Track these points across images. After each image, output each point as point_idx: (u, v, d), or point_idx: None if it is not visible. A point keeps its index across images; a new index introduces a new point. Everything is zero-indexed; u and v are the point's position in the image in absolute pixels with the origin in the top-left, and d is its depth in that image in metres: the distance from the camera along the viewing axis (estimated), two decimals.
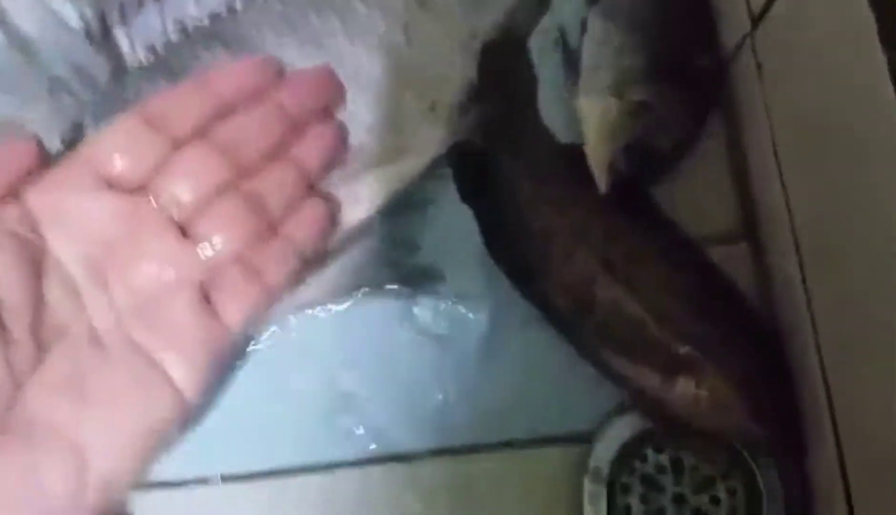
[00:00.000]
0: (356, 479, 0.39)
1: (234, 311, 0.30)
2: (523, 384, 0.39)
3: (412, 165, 0.38)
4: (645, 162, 0.38)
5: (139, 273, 0.29)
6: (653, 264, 0.37)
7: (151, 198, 0.30)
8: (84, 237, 0.29)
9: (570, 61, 0.41)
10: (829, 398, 0.34)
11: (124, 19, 0.37)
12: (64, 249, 0.29)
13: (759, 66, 0.37)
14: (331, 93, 0.33)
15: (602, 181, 0.37)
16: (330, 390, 0.40)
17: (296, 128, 0.32)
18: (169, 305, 0.29)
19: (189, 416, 0.29)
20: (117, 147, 0.30)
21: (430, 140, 0.39)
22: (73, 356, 0.28)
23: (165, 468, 0.39)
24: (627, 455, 0.38)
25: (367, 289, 0.39)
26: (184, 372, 0.29)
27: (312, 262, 0.34)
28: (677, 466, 0.38)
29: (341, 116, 0.34)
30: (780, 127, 0.36)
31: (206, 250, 0.30)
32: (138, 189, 0.30)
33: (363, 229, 0.38)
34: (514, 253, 0.39)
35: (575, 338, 0.38)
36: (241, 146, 0.31)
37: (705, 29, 0.40)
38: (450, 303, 0.40)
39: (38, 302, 0.28)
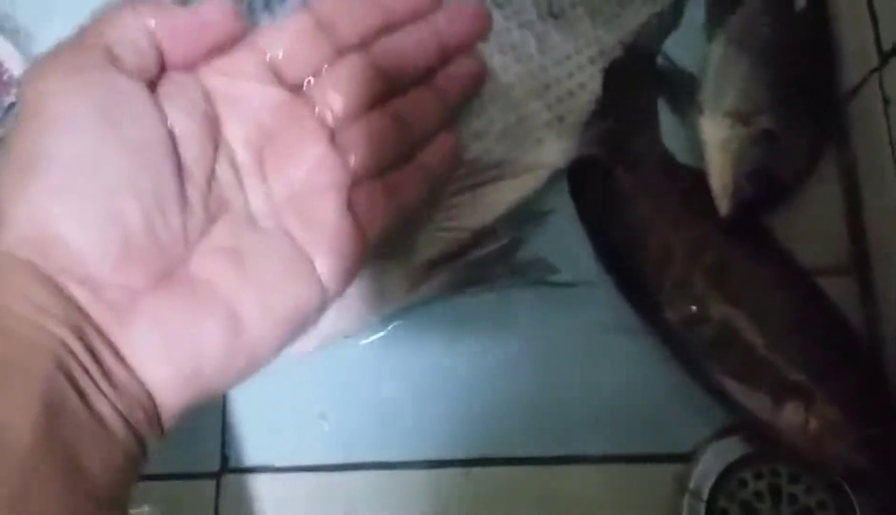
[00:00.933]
0: (458, 477, 0.40)
1: (371, 222, 0.32)
2: (624, 396, 0.40)
3: (537, 175, 0.39)
4: (766, 189, 0.38)
5: (294, 168, 0.31)
6: (767, 289, 0.38)
7: (311, 100, 0.32)
8: (250, 122, 0.31)
9: (682, 84, 0.42)
10: None
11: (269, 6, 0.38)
12: (233, 129, 0.30)
13: (885, 101, 0.37)
14: (482, 30, 0.36)
15: (723, 205, 0.38)
16: (432, 388, 0.41)
17: (445, 55, 0.35)
18: (319, 203, 0.31)
19: (325, 312, 0.31)
20: (286, 43, 0.31)
21: (556, 151, 0.40)
22: (234, 232, 0.29)
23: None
24: (727, 478, 0.38)
25: (480, 286, 0.40)
26: (328, 268, 0.30)
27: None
28: (776, 493, 0.38)
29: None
30: None
31: (352, 159, 0.32)
32: (298, 87, 0.32)
33: (485, 234, 0.39)
34: (627, 267, 0.40)
35: (683, 354, 0.39)
36: (397, 64, 0.33)
37: (828, 61, 0.41)
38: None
39: (210, 174, 0.29)
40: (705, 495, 0.37)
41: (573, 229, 0.41)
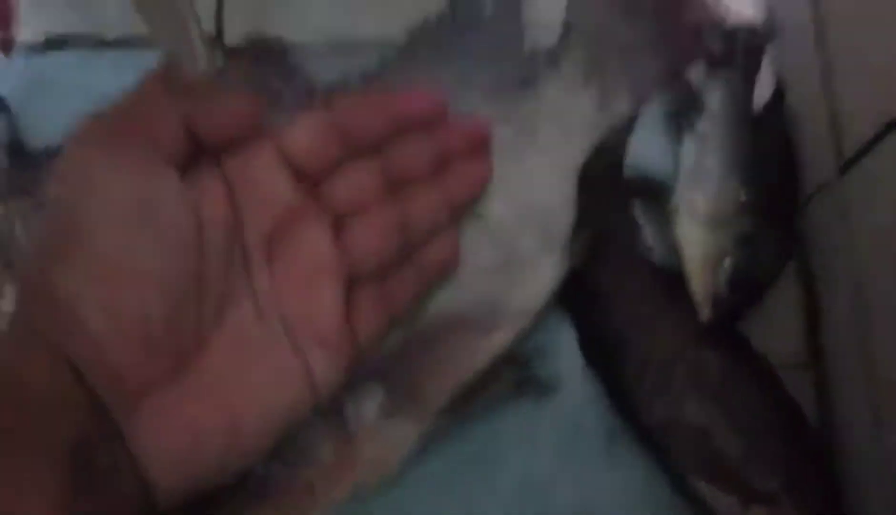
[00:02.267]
0: None
1: (367, 324, 0.34)
2: (599, 495, 0.41)
3: (535, 305, 0.41)
4: (746, 294, 0.40)
5: (299, 260, 0.32)
6: (743, 393, 0.39)
7: (321, 195, 0.33)
8: (263, 211, 0.32)
9: (653, 187, 0.43)
10: None
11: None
12: (247, 218, 0.31)
13: (843, 209, 0.39)
14: (485, 141, 0.38)
15: (705, 311, 0.40)
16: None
17: (450, 162, 0.36)
18: (318, 299, 0.32)
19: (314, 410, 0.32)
20: (303, 139, 0.33)
21: (548, 277, 0.41)
22: (242, 325, 0.30)
23: None
24: None
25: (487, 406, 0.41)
26: (322, 365, 0.31)
27: None
28: None
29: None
30: (860, 269, 0.38)
31: (353, 255, 0.33)
32: (311, 181, 0.33)
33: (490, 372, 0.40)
34: (610, 370, 0.41)
35: (659, 456, 0.40)
36: (404, 168, 0.35)
37: (791, 166, 0.43)
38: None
39: (228, 262, 0.30)
40: None
41: (569, 349, 0.42)
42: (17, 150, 0.41)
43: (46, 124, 0.42)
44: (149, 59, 0.43)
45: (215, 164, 0.31)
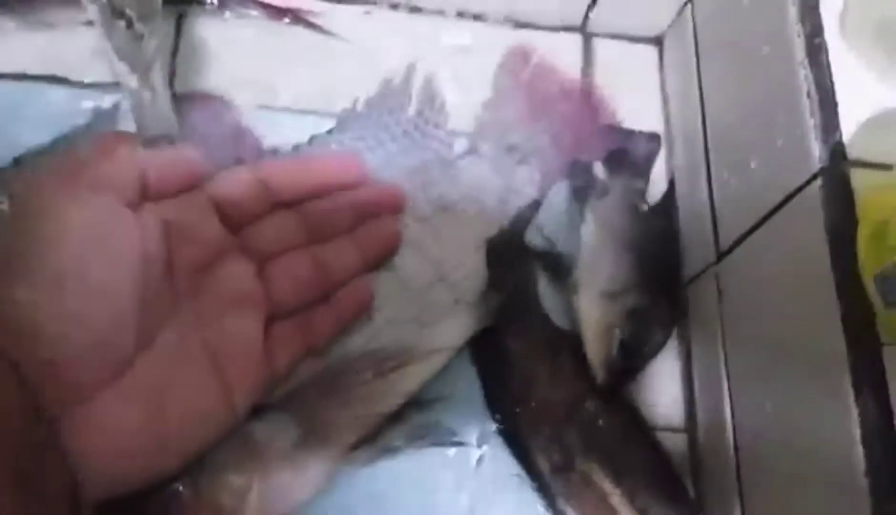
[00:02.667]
0: None
1: (282, 356, 0.37)
2: None
3: (441, 355, 0.44)
4: (634, 361, 0.45)
5: (223, 290, 0.36)
6: (628, 448, 0.44)
7: (246, 237, 0.37)
8: (193, 248, 0.35)
9: (558, 259, 0.48)
10: None
11: None
12: (179, 254, 0.34)
13: (719, 291, 0.45)
14: (398, 205, 0.43)
15: (599, 374, 0.44)
16: None
17: (364, 219, 0.41)
18: (239, 326, 0.36)
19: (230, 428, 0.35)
20: (231, 189, 0.37)
21: (457, 331, 0.45)
22: (169, 345, 0.33)
23: None
24: None
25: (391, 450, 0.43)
26: (241, 385, 0.35)
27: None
28: None
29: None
30: (731, 347, 0.44)
31: (274, 291, 0.37)
32: (237, 227, 0.37)
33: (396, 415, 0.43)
34: (511, 419, 0.45)
35: (549, 498, 0.44)
36: (321, 220, 0.39)
37: (675, 252, 0.49)
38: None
39: (162, 290, 0.33)
40: None
41: (472, 399, 0.46)
42: None
43: None
44: (94, 99, 0.47)
45: (157, 207, 0.34)
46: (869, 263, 0.33)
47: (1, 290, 0.28)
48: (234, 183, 0.37)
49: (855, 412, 0.32)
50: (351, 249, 0.41)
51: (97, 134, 0.45)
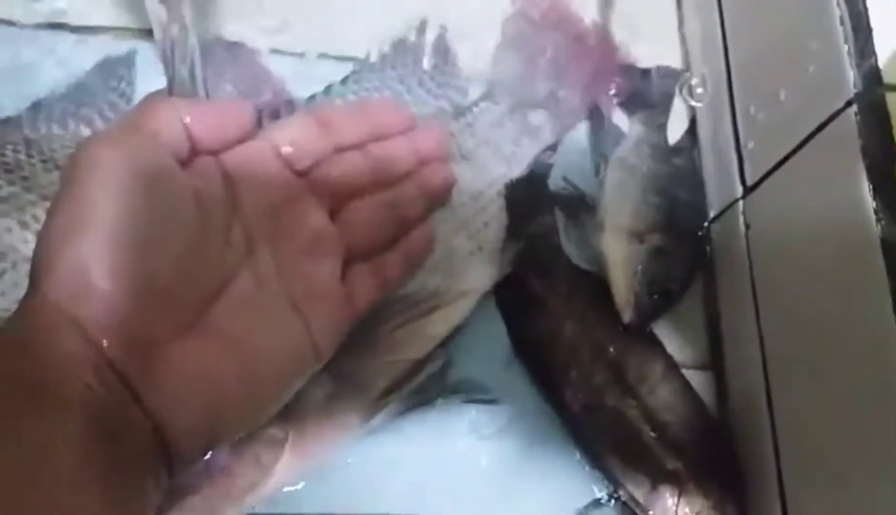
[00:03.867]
0: None
1: (361, 295, 0.37)
2: (527, 471, 0.44)
3: (466, 302, 0.44)
4: (660, 299, 0.45)
5: (297, 236, 0.35)
6: (656, 385, 0.44)
7: (314, 182, 0.36)
8: (261, 197, 0.35)
9: (579, 202, 0.48)
10: None
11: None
12: (247, 202, 0.34)
13: (747, 225, 0.45)
14: (445, 149, 0.43)
15: (626, 313, 0.44)
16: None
17: (422, 162, 0.41)
18: (317, 270, 0.35)
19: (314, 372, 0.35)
20: (294, 135, 0.36)
21: (480, 277, 0.45)
22: (245, 291, 0.33)
23: None
24: None
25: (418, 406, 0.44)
26: (321, 330, 0.34)
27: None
28: None
29: None
30: (760, 279, 0.44)
31: (349, 232, 0.37)
32: (303, 172, 0.36)
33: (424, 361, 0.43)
34: (539, 363, 0.45)
35: (582, 439, 0.44)
36: (385, 161, 0.39)
37: (698, 191, 0.49)
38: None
39: (227, 239, 0.33)
40: None
41: (495, 350, 0.46)
42: None
43: (5, 96, 0.43)
44: (109, 47, 0.46)
45: (215, 160, 0.34)
46: None
47: (54, 253, 0.28)
48: (296, 127, 0.37)
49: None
50: (416, 192, 0.40)
51: (113, 80, 0.45)
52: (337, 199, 0.37)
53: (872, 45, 0.36)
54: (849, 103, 0.36)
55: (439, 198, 0.42)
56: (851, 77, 0.36)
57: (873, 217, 0.34)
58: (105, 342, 0.27)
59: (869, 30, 0.36)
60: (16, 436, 0.24)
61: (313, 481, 0.42)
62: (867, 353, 0.34)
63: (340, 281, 0.36)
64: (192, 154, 0.33)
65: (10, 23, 0.46)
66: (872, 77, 0.35)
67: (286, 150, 0.36)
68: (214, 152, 0.34)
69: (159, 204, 0.30)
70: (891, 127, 0.34)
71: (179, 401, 0.28)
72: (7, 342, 0.27)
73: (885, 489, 0.33)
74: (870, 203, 0.34)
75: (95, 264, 0.27)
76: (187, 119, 0.32)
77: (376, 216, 0.38)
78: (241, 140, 0.35)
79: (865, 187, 0.34)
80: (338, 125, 0.38)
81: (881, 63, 0.35)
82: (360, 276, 0.37)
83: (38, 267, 0.28)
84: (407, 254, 0.40)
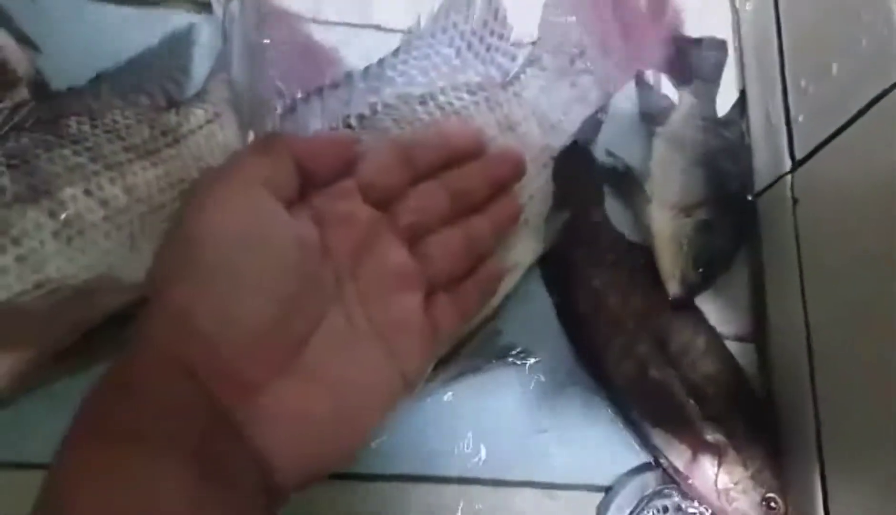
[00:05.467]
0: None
1: (443, 326, 0.38)
2: (565, 438, 0.46)
3: (515, 274, 0.45)
4: (707, 273, 0.45)
5: (381, 272, 0.36)
6: (699, 357, 0.45)
7: (395, 216, 0.37)
8: (345, 233, 0.35)
9: (627, 174, 0.48)
10: (824, 492, 0.41)
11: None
12: (335, 241, 0.35)
13: (794, 200, 0.45)
14: (520, 172, 0.41)
15: (672, 287, 0.45)
16: None
17: (495, 190, 0.40)
18: (402, 303, 0.36)
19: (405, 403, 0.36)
20: (375, 171, 0.36)
21: (527, 250, 0.46)
22: (336, 329, 0.33)
23: None
24: (640, 509, 0.44)
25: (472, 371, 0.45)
26: (409, 362, 0.35)
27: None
28: None
29: None
30: (806, 254, 0.44)
31: (429, 266, 0.37)
32: (384, 205, 0.37)
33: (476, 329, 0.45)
34: (583, 334, 0.46)
35: (623, 408, 0.45)
36: (462, 191, 0.39)
37: (747, 163, 0.49)
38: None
39: (321, 279, 0.34)
40: None
41: (541, 318, 0.47)
42: (41, 88, 0.43)
43: (70, 67, 0.44)
44: (169, 20, 0.47)
45: (308, 199, 0.35)
46: None
47: (162, 296, 0.29)
48: (378, 161, 0.37)
49: None
50: (488, 228, 0.40)
51: (173, 54, 0.46)
52: (416, 230, 0.37)
53: None
54: None
55: (508, 230, 0.42)
56: None
57: None
58: (212, 385, 0.28)
59: None
60: (129, 478, 0.25)
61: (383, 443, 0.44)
62: None
63: (424, 313, 0.36)
64: (301, 192, 0.34)
65: None
66: None
67: (369, 184, 0.36)
68: (316, 189, 0.35)
69: (264, 250, 0.31)
70: None
71: (282, 441, 0.30)
72: (117, 383, 0.28)
73: None
74: None
75: (200, 309, 0.29)
76: (300, 156, 0.33)
77: (454, 250, 0.38)
78: (340, 176, 0.36)
79: None
80: (417, 156, 0.38)
81: None
82: (442, 307, 0.38)
83: (147, 309, 0.29)
84: (482, 285, 0.40)
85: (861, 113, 0.38)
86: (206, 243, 0.29)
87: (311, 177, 0.34)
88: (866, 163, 0.38)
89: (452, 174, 0.39)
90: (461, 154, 0.39)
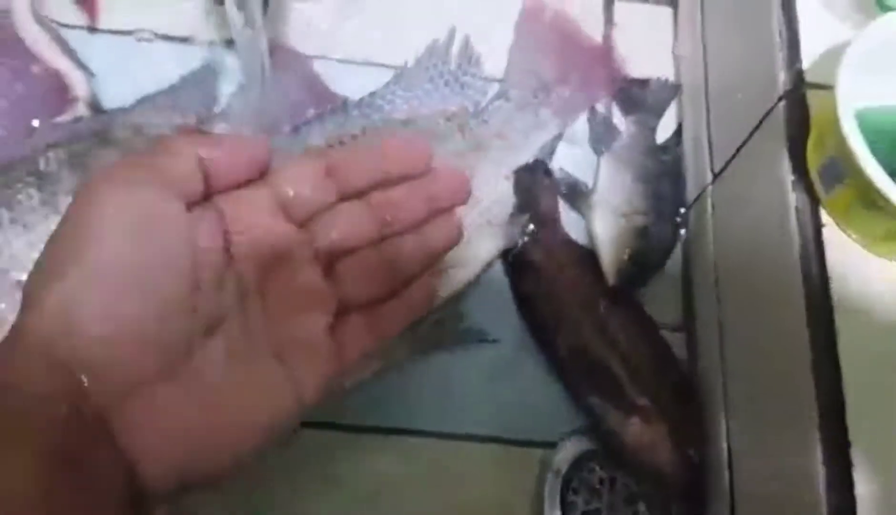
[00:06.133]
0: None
1: (351, 348, 0.36)
2: (516, 400, 0.54)
3: (475, 265, 0.54)
4: (642, 268, 0.54)
5: (288, 290, 0.35)
6: (633, 337, 0.53)
7: (312, 233, 0.35)
8: (258, 245, 0.34)
9: (577, 186, 0.58)
10: (730, 458, 0.48)
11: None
12: (241, 251, 0.33)
13: (713, 207, 0.53)
14: (464, 195, 0.40)
15: (611, 277, 0.54)
16: None
17: (431, 212, 0.39)
18: (307, 323, 0.35)
19: (298, 422, 0.34)
20: (297, 183, 0.35)
21: (488, 246, 0.55)
22: (231, 341, 0.32)
23: None
24: (579, 464, 0.51)
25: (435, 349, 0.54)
26: (306, 383, 0.34)
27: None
28: (613, 481, 0.51)
29: None
30: (720, 257, 0.52)
31: (343, 288, 0.36)
32: (303, 222, 0.35)
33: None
34: (537, 320, 0.55)
35: (567, 377, 0.53)
36: (390, 213, 0.37)
37: (679, 180, 0.58)
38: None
39: (220, 287, 0.32)
40: (563, 472, 0.51)
41: (503, 305, 0.56)
42: (96, 106, 0.54)
43: (119, 91, 0.55)
44: (200, 54, 0.58)
45: (215, 202, 0.33)
46: (812, 161, 0.41)
47: (44, 288, 0.28)
48: (300, 177, 0.35)
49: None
50: (419, 247, 0.39)
51: (201, 86, 0.56)
52: (335, 249, 0.36)
53: (800, 52, 0.45)
54: (780, 99, 0.44)
55: (444, 252, 0.40)
56: (783, 78, 0.45)
57: (790, 188, 0.42)
58: (84, 379, 0.27)
59: (797, 41, 0.45)
60: None
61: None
62: (780, 312, 0.43)
63: (330, 334, 0.35)
64: (206, 192, 0.32)
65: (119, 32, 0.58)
66: (798, 77, 0.44)
67: (288, 197, 0.35)
68: (222, 190, 0.33)
69: (154, 249, 0.29)
70: (808, 116, 0.43)
71: (149, 446, 0.28)
72: None
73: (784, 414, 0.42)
74: (789, 181, 0.43)
75: (81, 304, 0.27)
76: (203, 155, 0.32)
77: (372, 273, 0.37)
78: (250, 178, 0.34)
79: (787, 167, 0.43)
80: (345, 171, 0.36)
81: (805, 66, 0.44)
82: (353, 328, 0.37)
83: (27, 295, 0.28)
84: (407, 304, 0.39)
85: (755, 129, 0.47)
86: (91, 236, 0.28)
87: (218, 177, 0.32)
88: (756, 173, 0.47)
89: (385, 194, 0.37)
90: (398, 174, 0.38)
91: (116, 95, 0.55)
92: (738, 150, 0.50)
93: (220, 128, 0.54)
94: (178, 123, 0.54)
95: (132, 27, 0.58)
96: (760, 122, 0.46)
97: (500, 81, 0.61)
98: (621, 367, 0.52)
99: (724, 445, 0.49)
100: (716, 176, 0.53)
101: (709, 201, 0.54)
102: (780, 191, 0.43)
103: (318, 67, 0.59)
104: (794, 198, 0.42)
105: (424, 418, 0.53)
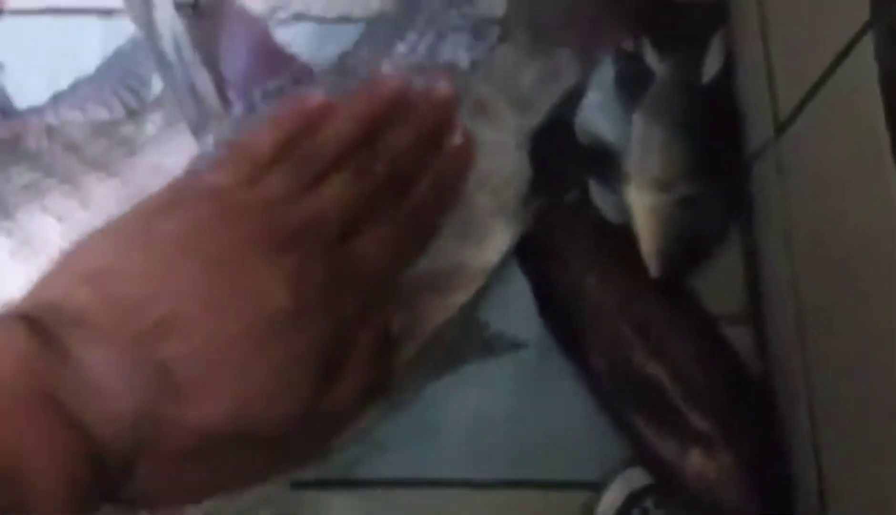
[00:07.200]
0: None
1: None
2: (549, 431, 0.44)
3: (491, 261, 0.44)
4: (691, 251, 0.43)
5: None
6: (685, 342, 0.42)
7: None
8: None
9: (606, 152, 0.46)
10: (820, 481, 0.38)
11: None
12: None
13: (780, 168, 0.42)
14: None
15: (654, 267, 0.42)
16: None
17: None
18: None
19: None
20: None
21: (503, 236, 0.44)
22: None
23: None
24: (629, 505, 0.42)
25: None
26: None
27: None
28: None
29: None
30: (796, 225, 0.41)
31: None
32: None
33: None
34: (562, 321, 0.44)
35: (605, 397, 0.43)
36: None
37: (734, 132, 0.46)
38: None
39: None
40: None
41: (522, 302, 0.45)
42: (5, 107, 0.45)
43: (31, 85, 0.46)
44: (128, 29, 0.47)
45: None
46: None
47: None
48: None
49: None
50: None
51: (132, 65, 0.46)
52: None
53: None
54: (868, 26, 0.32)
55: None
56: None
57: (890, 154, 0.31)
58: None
59: None
60: None
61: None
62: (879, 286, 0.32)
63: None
64: None
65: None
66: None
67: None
68: None
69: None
70: None
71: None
72: None
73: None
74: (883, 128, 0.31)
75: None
76: None
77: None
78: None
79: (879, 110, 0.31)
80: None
81: None
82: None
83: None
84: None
85: (833, 67, 0.35)
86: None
87: None
88: (841, 121, 0.35)
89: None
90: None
91: (30, 89, 0.45)
92: (811, 92, 0.38)
93: (151, 118, 0.44)
94: (103, 117, 0.44)
95: (43, 4, 0.48)
96: (845, 52, 0.34)
97: (499, 19, 0.48)
98: (673, 383, 0.41)
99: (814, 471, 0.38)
100: (782, 126, 0.41)
101: (774, 155, 0.42)
102: (872, 141, 0.32)
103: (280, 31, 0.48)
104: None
105: (439, 463, 0.44)
